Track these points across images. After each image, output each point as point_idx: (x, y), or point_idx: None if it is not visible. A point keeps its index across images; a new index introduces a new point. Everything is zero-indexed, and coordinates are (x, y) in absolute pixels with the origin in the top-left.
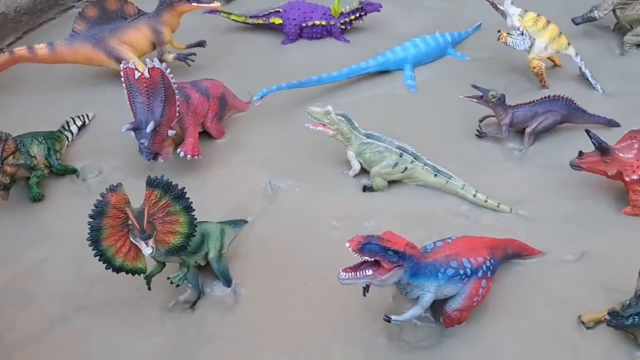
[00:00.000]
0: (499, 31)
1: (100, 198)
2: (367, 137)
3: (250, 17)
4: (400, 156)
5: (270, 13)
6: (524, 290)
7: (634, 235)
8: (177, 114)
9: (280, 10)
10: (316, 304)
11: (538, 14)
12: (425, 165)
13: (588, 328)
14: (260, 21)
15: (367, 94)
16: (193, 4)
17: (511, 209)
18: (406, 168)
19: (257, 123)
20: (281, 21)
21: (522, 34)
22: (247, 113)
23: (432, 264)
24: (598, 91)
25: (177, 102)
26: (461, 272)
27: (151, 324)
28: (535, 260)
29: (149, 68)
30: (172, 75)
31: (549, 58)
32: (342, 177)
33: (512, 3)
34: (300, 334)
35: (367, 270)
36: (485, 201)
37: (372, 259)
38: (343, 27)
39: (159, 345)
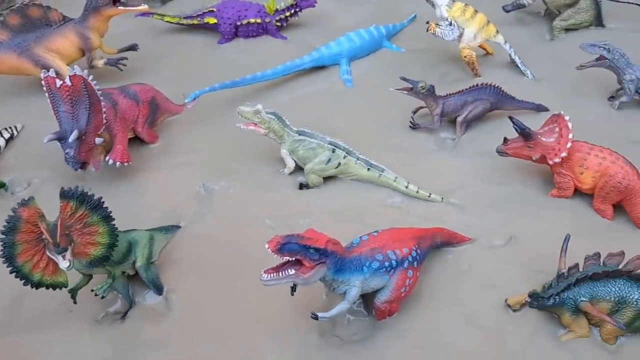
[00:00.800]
0: (427, 22)
1: (11, 213)
2: (299, 134)
3: (185, 18)
4: (333, 152)
5: (204, 13)
6: (454, 277)
7: (560, 217)
8: (104, 121)
9: (215, 9)
10: (249, 305)
11: (465, 4)
12: (358, 159)
13: (514, 311)
14: (195, 21)
15: (304, 90)
16: (119, 7)
17: (442, 198)
18: (339, 163)
19: (191, 125)
20: (216, 21)
21: (451, 25)
22: (181, 116)
23: (357, 259)
24: (528, 77)
25: (104, 109)
26: (387, 264)
27: (81, 338)
28: (465, 247)
29: (70, 76)
30: (95, 82)
31: (480, 46)
32: (278, 176)
33: None
34: (233, 337)
35: (289, 270)
36: (417, 192)
37: (294, 259)
38: (279, 24)
39: (89, 359)
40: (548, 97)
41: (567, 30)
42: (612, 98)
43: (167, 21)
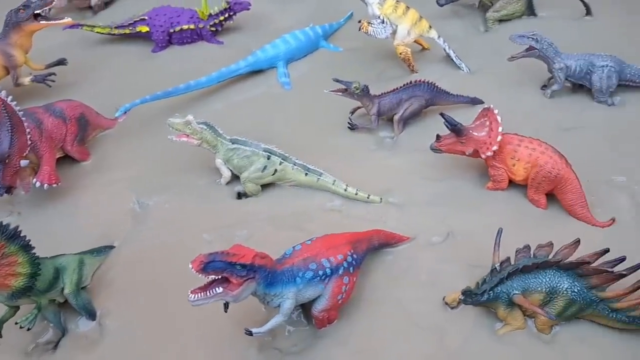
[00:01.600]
0: (359, 21)
1: None
2: (233, 143)
3: (116, 27)
4: (268, 159)
5: (135, 22)
6: (394, 278)
7: (496, 209)
8: (29, 142)
9: (146, 17)
10: (186, 325)
11: (397, 1)
12: (295, 164)
13: (452, 308)
14: (127, 31)
15: (241, 96)
16: (42, 22)
17: (381, 199)
18: (276, 170)
19: (123, 140)
20: (148, 29)
21: (383, 22)
22: (113, 130)
23: (289, 270)
24: (464, 70)
25: (28, 130)
26: (321, 273)
27: None
28: (404, 246)
29: None
30: (15, 102)
31: (416, 42)
32: (215, 187)
33: None
34: (171, 359)
35: (217, 289)
36: (356, 194)
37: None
38: (213, 29)
39: None
40: (483, 89)
41: (500, 21)
42: (544, 87)
43: (97, 32)
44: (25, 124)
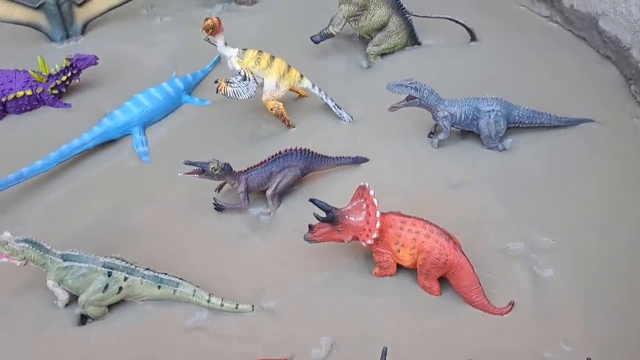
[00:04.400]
0: (216, 81)
1: None
2: (65, 260)
3: None
4: (109, 275)
5: None
6: None
7: (386, 303)
8: None
9: None
10: None
11: (259, 51)
12: (144, 277)
13: None
14: None
15: (88, 174)
16: None
17: (253, 306)
18: (121, 288)
19: None
20: None
21: (245, 79)
22: None
23: None
24: (345, 120)
25: None
26: None
27: None
28: None
29: None
30: None
31: (292, 90)
32: (51, 311)
33: (226, 44)
34: None
35: None
36: (222, 305)
37: None
38: (56, 91)
39: None
40: (367, 140)
41: (382, 55)
42: (431, 134)
43: None
44: None
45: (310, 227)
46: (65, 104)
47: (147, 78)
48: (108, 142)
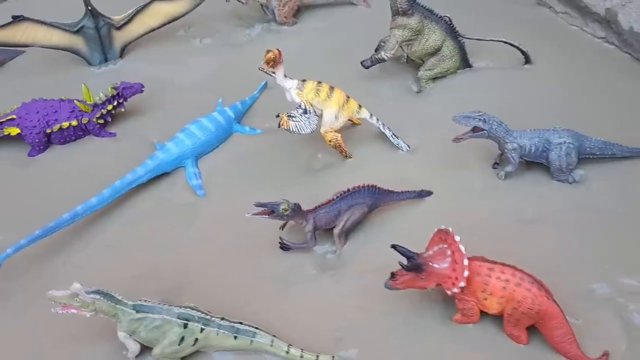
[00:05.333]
0: (277, 115)
1: None
2: (137, 311)
3: None
4: (185, 327)
5: (2, 122)
6: None
7: (469, 354)
8: None
9: (15, 116)
10: None
11: (318, 82)
12: (220, 328)
13: None
14: None
15: (140, 210)
16: None
17: (333, 357)
18: (197, 339)
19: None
20: (19, 131)
21: (306, 113)
22: None
23: None
24: (403, 150)
25: None
26: None
27: None
28: None
29: None
30: None
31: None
32: None
33: (285, 76)
34: None
35: None
36: (301, 357)
37: None
38: (101, 121)
39: None
40: (426, 170)
41: (434, 79)
42: (496, 165)
43: None
44: None
45: (393, 274)
46: (110, 133)
47: (189, 103)
48: (160, 175)
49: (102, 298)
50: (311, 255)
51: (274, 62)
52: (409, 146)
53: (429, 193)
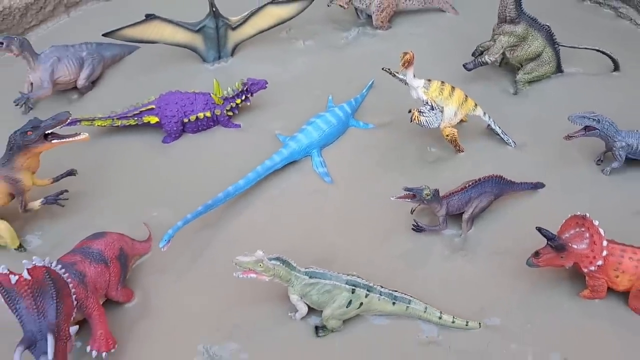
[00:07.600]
0: (409, 111)
1: None
2: (310, 277)
3: (119, 118)
4: (353, 292)
5: (142, 112)
6: None
7: (599, 326)
8: (75, 303)
9: (154, 106)
10: None
11: (442, 82)
12: (382, 294)
13: None
14: (132, 122)
15: (275, 193)
16: (54, 141)
17: (480, 324)
18: (361, 303)
19: (169, 270)
20: (157, 119)
21: (432, 109)
22: (154, 261)
23: None
24: (511, 146)
25: (72, 290)
26: None
27: None
28: None
29: (28, 269)
30: (60, 266)
31: None
32: (288, 323)
33: (414, 76)
34: None
35: None
36: (453, 322)
37: None
38: (230, 113)
39: None
40: (534, 166)
41: (530, 82)
42: (599, 161)
43: (98, 125)
44: (69, 280)
45: (537, 253)
46: (235, 124)
47: (300, 99)
48: (288, 164)
49: (281, 264)
50: (439, 237)
51: (408, 63)
52: (515, 142)
53: (542, 185)
